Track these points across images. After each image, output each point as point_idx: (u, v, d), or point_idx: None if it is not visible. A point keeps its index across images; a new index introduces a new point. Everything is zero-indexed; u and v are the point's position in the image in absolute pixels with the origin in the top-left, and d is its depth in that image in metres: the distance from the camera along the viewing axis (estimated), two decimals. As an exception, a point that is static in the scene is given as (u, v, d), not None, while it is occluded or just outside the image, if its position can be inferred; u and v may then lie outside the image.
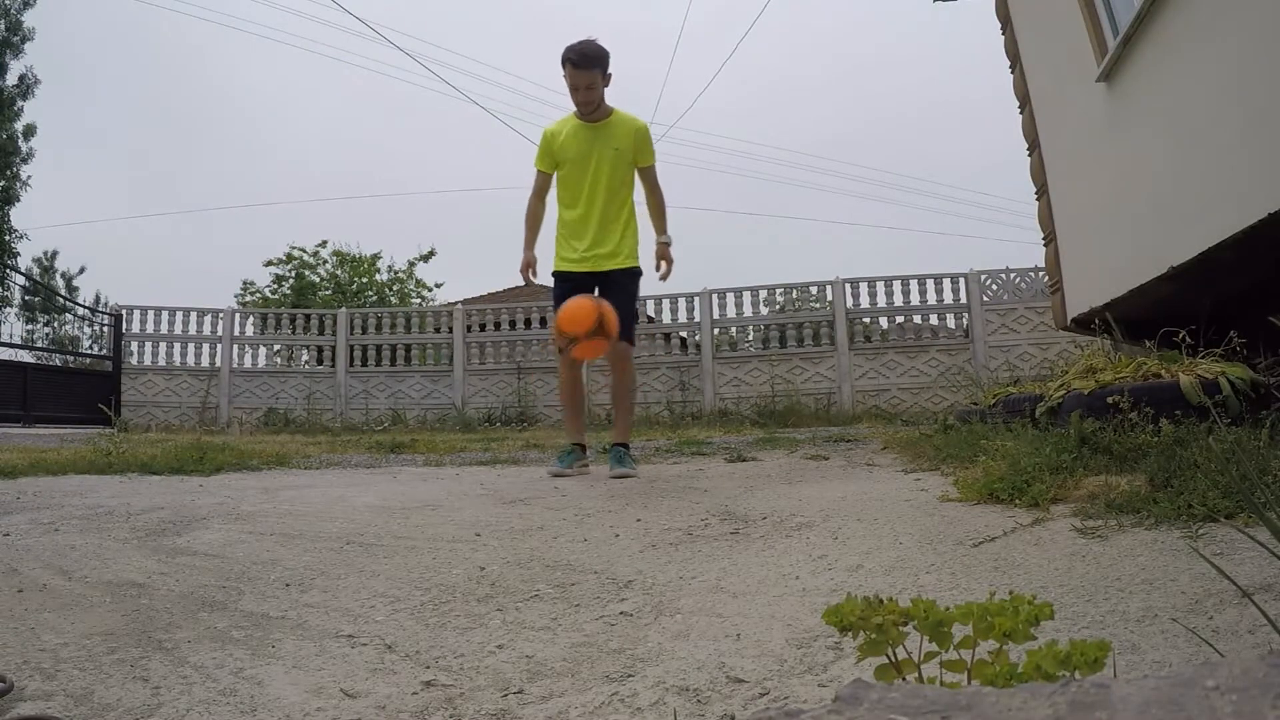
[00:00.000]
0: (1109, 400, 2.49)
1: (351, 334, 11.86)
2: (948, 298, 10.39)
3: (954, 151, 79.86)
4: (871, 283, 10.66)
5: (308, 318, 12.19)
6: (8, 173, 20.33)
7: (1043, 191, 5.13)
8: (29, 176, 20.98)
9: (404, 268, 21.23)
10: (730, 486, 2.93)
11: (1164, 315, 3.38)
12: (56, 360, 14.55)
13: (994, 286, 10.22)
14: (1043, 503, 1.94)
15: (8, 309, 17.31)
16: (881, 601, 0.65)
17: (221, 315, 11.83)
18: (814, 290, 11.51)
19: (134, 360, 11.59)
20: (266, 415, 11.18)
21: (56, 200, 52.70)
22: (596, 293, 3.70)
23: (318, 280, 20.18)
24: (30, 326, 20.87)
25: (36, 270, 25.16)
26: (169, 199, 52.93)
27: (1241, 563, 1.29)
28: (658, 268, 3.79)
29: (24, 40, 20.23)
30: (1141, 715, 0.35)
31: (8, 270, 18.99)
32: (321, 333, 11.95)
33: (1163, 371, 2.74)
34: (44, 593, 1.58)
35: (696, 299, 11.10)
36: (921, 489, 2.49)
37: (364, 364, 11.75)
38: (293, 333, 12.06)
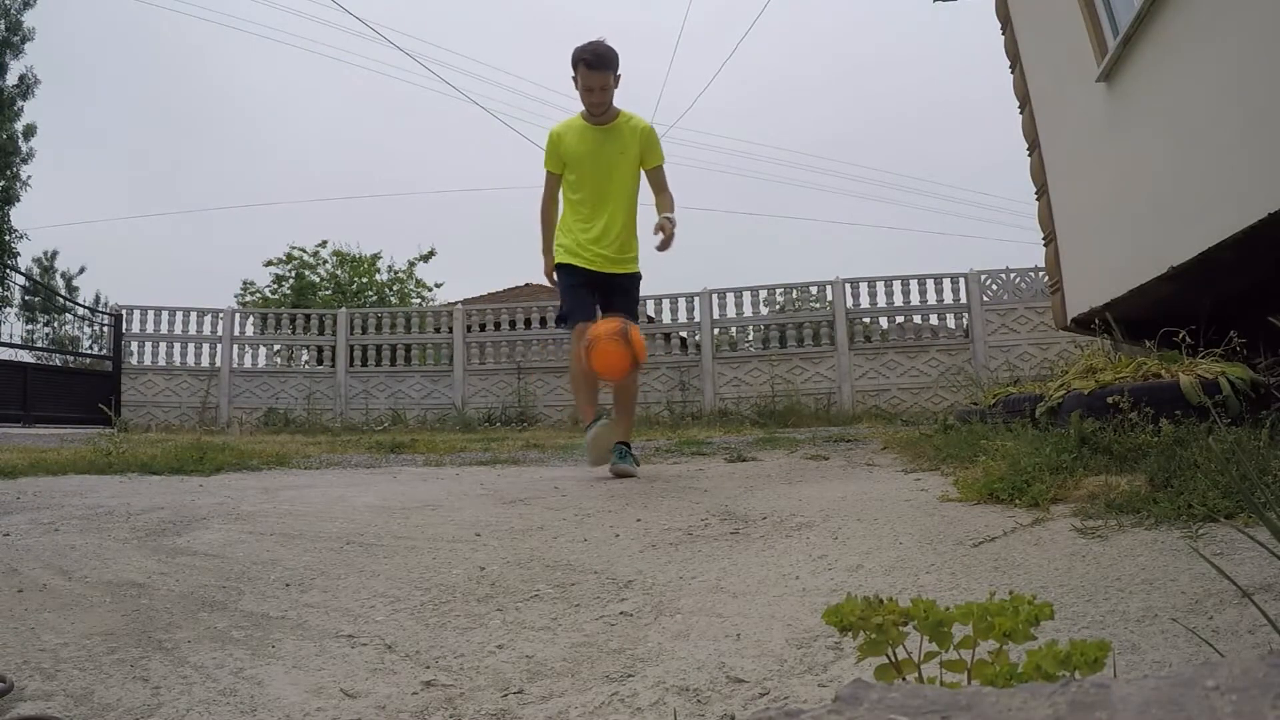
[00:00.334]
0: (1109, 400, 2.49)
1: (351, 334, 11.86)
2: (948, 298, 10.40)
3: (954, 151, 79.97)
4: (871, 283, 10.66)
5: (308, 318, 12.19)
6: (8, 173, 20.33)
7: (1043, 191, 5.13)
8: (29, 176, 21.02)
9: (404, 268, 21.25)
10: (730, 486, 2.93)
11: (1164, 315, 3.38)
12: (56, 360, 14.55)
13: (994, 286, 10.22)
14: (1043, 503, 1.94)
15: (8, 309, 17.34)
16: (881, 601, 0.65)
17: (221, 315, 11.84)
18: (814, 290, 11.51)
19: (134, 360, 11.59)
20: (266, 415, 11.18)
21: (56, 200, 52.80)
22: (600, 295, 3.69)
23: (318, 280, 20.18)
24: (30, 326, 20.89)
25: (36, 270, 25.17)
26: (169, 199, 52.99)
27: (1241, 563, 1.29)
28: (655, 233, 3.59)
29: (24, 40, 20.25)
30: (1141, 715, 0.35)
31: (8, 270, 18.99)
32: (321, 333, 11.95)
33: (1163, 371, 2.74)
34: (44, 593, 1.58)
35: (696, 299, 11.10)
36: (921, 489, 2.49)
37: (364, 364, 11.76)
38: (293, 333, 12.06)
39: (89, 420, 10.33)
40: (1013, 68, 5.41)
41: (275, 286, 20.10)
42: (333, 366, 11.77)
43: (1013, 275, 10.23)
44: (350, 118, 71.01)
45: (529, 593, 1.57)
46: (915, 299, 10.54)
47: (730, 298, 11.15)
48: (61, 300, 22.07)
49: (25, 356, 12.40)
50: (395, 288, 20.89)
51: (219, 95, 67.59)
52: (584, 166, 3.69)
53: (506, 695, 1.07)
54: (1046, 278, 5.60)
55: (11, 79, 20.28)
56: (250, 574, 1.74)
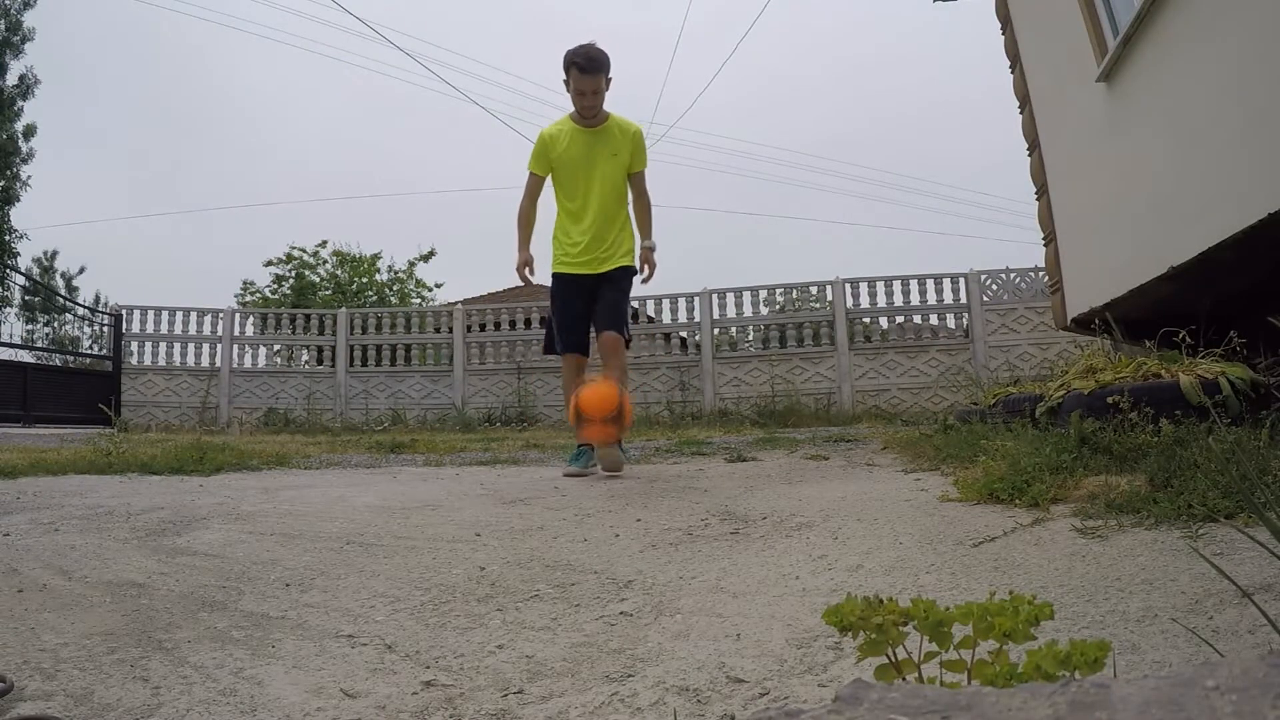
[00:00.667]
0: (1109, 400, 2.49)
1: (351, 334, 11.86)
2: (948, 298, 10.40)
3: (954, 151, 79.97)
4: (871, 283, 10.66)
5: (308, 318, 12.19)
6: (8, 173, 20.32)
7: (1043, 191, 5.13)
8: (29, 176, 20.99)
9: (404, 268, 21.25)
10: (730, 486, 2.93)
11: (1164, 315, 3.38)
12: (56, 360, 14.53)
13: (994, 286, 10.22)
14: (1043, 503, 1.94)
15: (8, 309, 17.32)
16: (881, 601, 0.65)
17: (221, 315, 11.84)
18: (814, 290, 11.51)
19: (134, 360, 11.59)
20: (266, 415, 11.18)
21: (56, 200, 52.76)
22: (595, 292, 3.73)
23: (318, 280, 20.18)
24: (30, 326, 20.86)
25: (36, 270, 25.14)
26: (169, 199, 52.93)
27: (1241, 563, 1.29)
28: (640, 269, 3.82)
29: (24, 40, 20.22)
30: (1141, 715, 0.35)
31: (8, 270, 18.99)
32: (321, 333, 11.95)
33: (1163, 371, 2.74)
34: (44, 593, 1.58)
35: (696, 299, 11.10)
36: (921, 489, 2.49)
37: (364, 364, 11.76)
38: (293, 333, 12.06)
39: (89, 420, 10.33)
40: (1013, 68, 5.41)
41: (275, 286, 20.11)
42: (333, 366, 11.77)
43: (1013, 275, 10.23)
44: (350, 118, 71.08)
45: (529, 593, 1.57)
46: (915, 299, 10.55)
47: (730, 298, 11.15)
48: (61, 300, 22.07)
49: (25, 356, 12.41)
50: (395, 288, 20.89)
51: (219, 95, 67.61)
52: (576, 169, 3.71)
53: (506, 695, 1.07)
54: (1046, 278, 5.60)
55: (11, 79, 20.28)
56: (250, 574, 1.74)
